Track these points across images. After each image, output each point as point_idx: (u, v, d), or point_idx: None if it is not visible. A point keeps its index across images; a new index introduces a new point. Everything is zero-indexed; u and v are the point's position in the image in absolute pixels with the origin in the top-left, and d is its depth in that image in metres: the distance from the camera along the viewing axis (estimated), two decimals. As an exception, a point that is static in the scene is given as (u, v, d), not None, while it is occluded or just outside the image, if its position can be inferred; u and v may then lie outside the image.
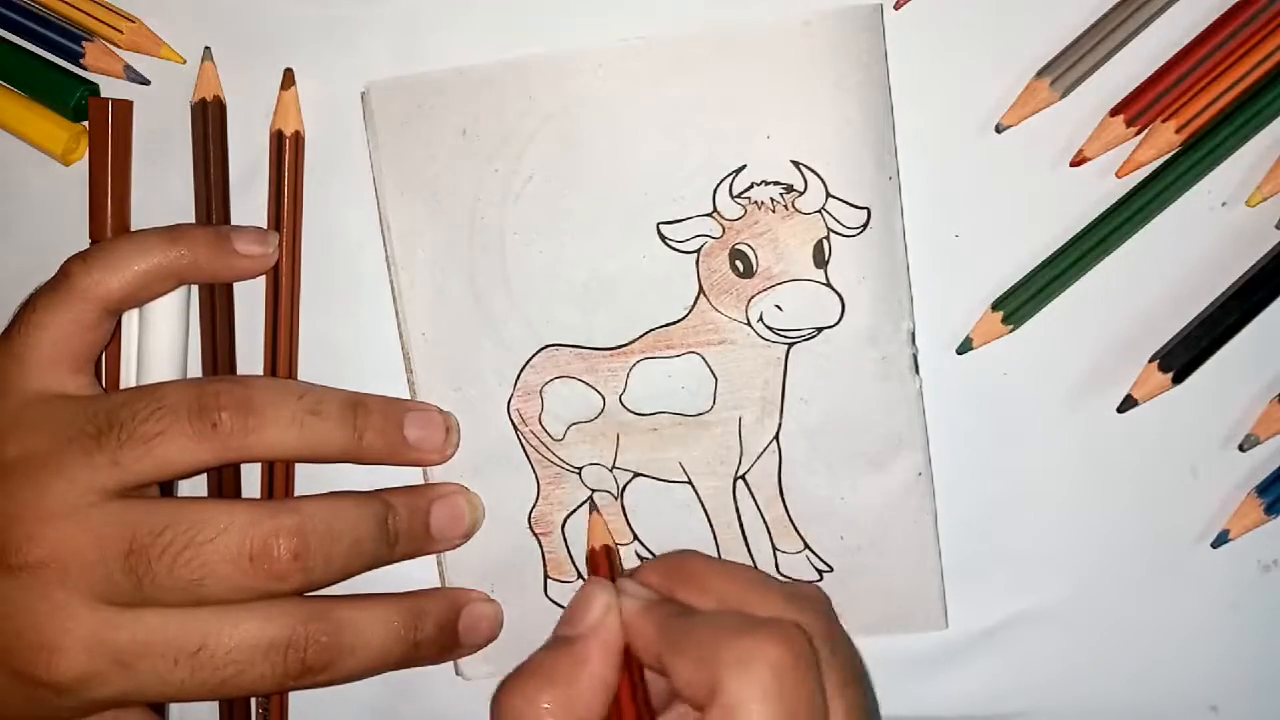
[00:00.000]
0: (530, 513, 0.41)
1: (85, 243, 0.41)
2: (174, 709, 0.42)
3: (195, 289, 0.41)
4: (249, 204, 0.42)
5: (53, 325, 0.38)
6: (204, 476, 0.42)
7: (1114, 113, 0.38)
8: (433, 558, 0.42)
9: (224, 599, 0.36)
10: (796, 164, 0.39)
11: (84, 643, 0.35)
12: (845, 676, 0.33)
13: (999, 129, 0.39)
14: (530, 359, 0.41)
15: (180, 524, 0.36)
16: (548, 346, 0.41)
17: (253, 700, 0.42)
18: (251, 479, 0.42)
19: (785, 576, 0.40)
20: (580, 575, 0.42)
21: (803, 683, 0.31)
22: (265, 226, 0.41)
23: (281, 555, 0.36)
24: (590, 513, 0.40)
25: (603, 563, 0.38)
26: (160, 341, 0.40)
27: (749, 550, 0.41)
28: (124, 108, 0.42)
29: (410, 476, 0.42)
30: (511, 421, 0.41)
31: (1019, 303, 0.39)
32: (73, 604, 0.35)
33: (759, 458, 0.40)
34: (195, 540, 0.35)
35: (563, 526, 0.41)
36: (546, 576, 0.42)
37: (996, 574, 0.41)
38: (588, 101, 0.39)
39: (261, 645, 0.36)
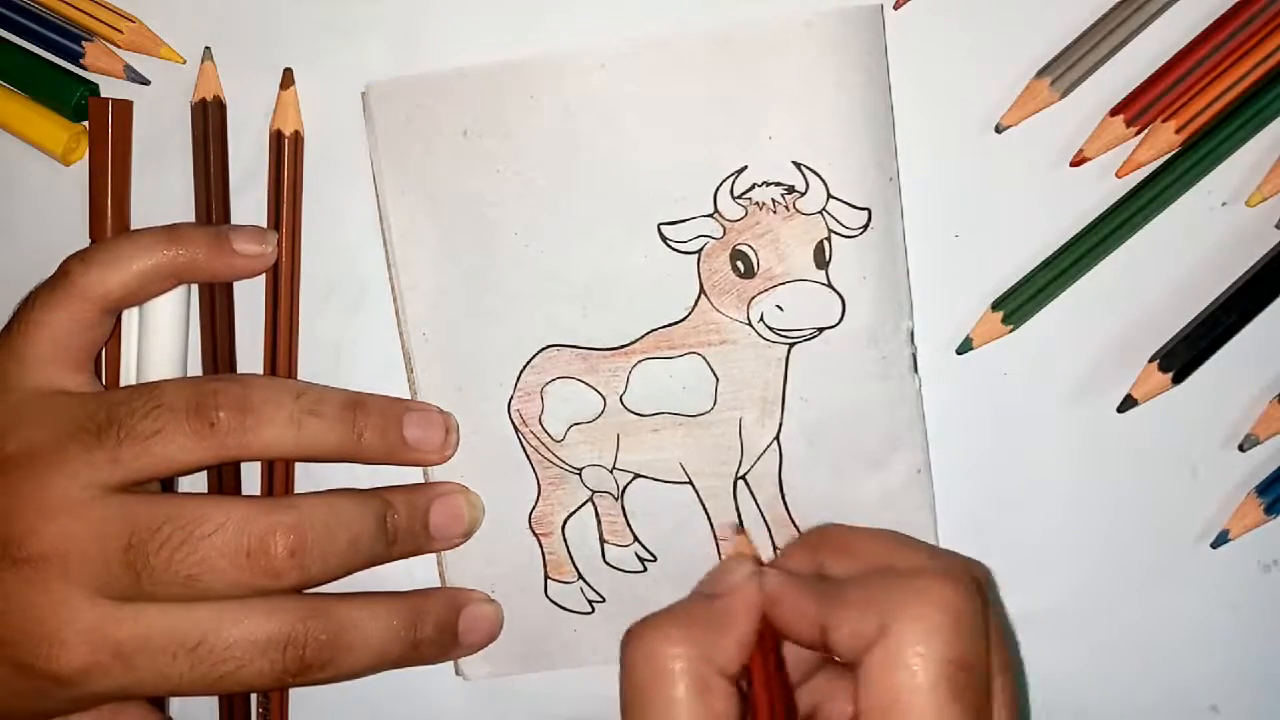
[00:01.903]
0: (530, 513, 0.41)
1: (85, 242, 0.41)
2: (174, 704, 0.42)
3: (195, 288, 0.41)
4: (249, 204, 0.42)
5: (52, 324, 0.38)
6: (205, 474, 0.42)
7: (1114, 113, 0.38)
8: (433, 557, 0.42)
9: (222, 594, 0.36)
10: (798, 165, 0.39)
11: (84, 636, 0.35)
12: (1003, 630, 0.32)
13: (999, 129, 0.39)
14: (531, 359, 0.41)
15: (178, 519, 0.36)
16: (548, 347, 0.41)
17: (252, 698, 0.42)
18: (251, 477, 0.42)
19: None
20: (580, 576, 0.42)
21: (973, 628, 0.30)
22: (265, 226, 0.41)
23: (278, 552, 0.36)
24: (735, 533, 0.40)
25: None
26: (160, 340, 0.40)
27: (749, 550, 0.41)
28: (124, 108, 0.42)
29: (411, 476, 0.41)
30: (512, 422, 0.41)
31: (1019, 303, 0.39)
32: (73, 597, 0.35)
33: (760, 458, 0.40)
34: (193, 536, 0.36)
35: (563, 527, 0.41)
36: (547, 577, 0.42)
37: (996, 574, 0.41)
38: (589, 102, 0.39)
39: (260, 641, 0.36)
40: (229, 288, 0.42)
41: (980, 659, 0.30)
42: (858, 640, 0.31)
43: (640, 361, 0.40)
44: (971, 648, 0.30)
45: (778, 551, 0.40)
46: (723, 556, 0.39)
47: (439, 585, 0.42)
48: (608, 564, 0.42)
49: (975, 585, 0.31)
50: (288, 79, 0.41)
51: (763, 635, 0.33)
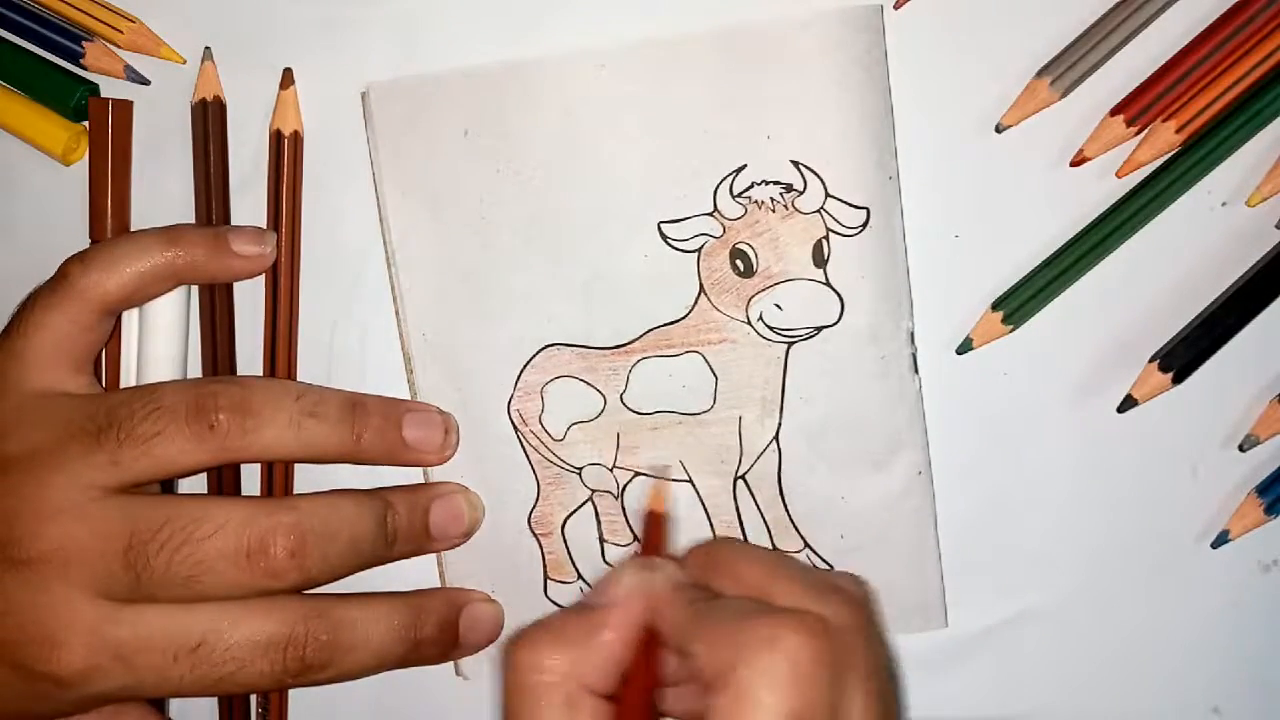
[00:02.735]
0: (530, 513, 0.41)
1: (85, 243, 0.41)
2: (174, 704, 0.42)
3: (195, 289, 0.41)
4: (249, 204, 0.42)
5: (51, 325, 0.38)
6: (205, 475, 0.42)
7: (1114, 112, 0.38)
8: (433, 558, 0.42)
9: (222, 595, 0.36)
10: (796, 164, 0.39)
11: (85, 637, 0.35)
12: (869, 673, 0.32)
13: (999, 129, 0.39)
14: (531, 358, 0.41)
15: (178, 520, 0.36)
16: (548, 346, 0.41)
17: (252, 698, 0.42)
18: (251, 478, 0.42)
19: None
20: (580, 576, 0.42)
21: (818, 677, 0.30)
22: (265, 226, 0.41)
23: (278, 553, 0.36)
24: (656, 477, 0.40)
25: (655, 529, 0.37)
26: (160, 342, 0.40)
27: (749, 550, 0.41)
28: (124, 108, 0.42)
29: (411, 476, 0.42)
30: (512, 421, 0.41)
31: (1019, 303, 0.39)
32: (74, 598, 0.35)
33: (759, 457, 0.40)
34: (193, 537, 0.36)
35: (563, 527, 0.41)
36: (546, 577, 0.42)
37: (996, 574, 0.41)
38: (589, 101, 0.40)
39: (261, 642, 0.36)
40: (229, 289, 0.42)
41: (825, 713, 0.30)
42: (708, 674, 0.31)
43: (640, 360, 0.40)
44: (813, 702, 0.30)
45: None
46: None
47: (439, 585, 0.42)
48: (608, 564, 0.42)
49: (828, 635, 0.31)
50: (288, 79, 0.41)
51: (648, 643, 0.33)
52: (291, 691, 0.42)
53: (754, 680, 0.30)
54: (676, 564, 0.35)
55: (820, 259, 0.39)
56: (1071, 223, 0.39)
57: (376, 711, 0.42)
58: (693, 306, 0.40)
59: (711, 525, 0.41)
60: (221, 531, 0.36)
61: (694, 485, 0.41)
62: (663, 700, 0.34)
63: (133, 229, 0.42)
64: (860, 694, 0.31)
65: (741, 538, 0.41)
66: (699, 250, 0.40)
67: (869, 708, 0.31)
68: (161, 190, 0.42)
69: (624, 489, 0.41)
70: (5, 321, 0.39)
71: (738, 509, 0.41)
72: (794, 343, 0.40)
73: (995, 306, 0.39)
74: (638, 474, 0.41)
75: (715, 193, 0.39)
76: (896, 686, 0.36)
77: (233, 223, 0.42)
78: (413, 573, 0.41)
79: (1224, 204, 0.39)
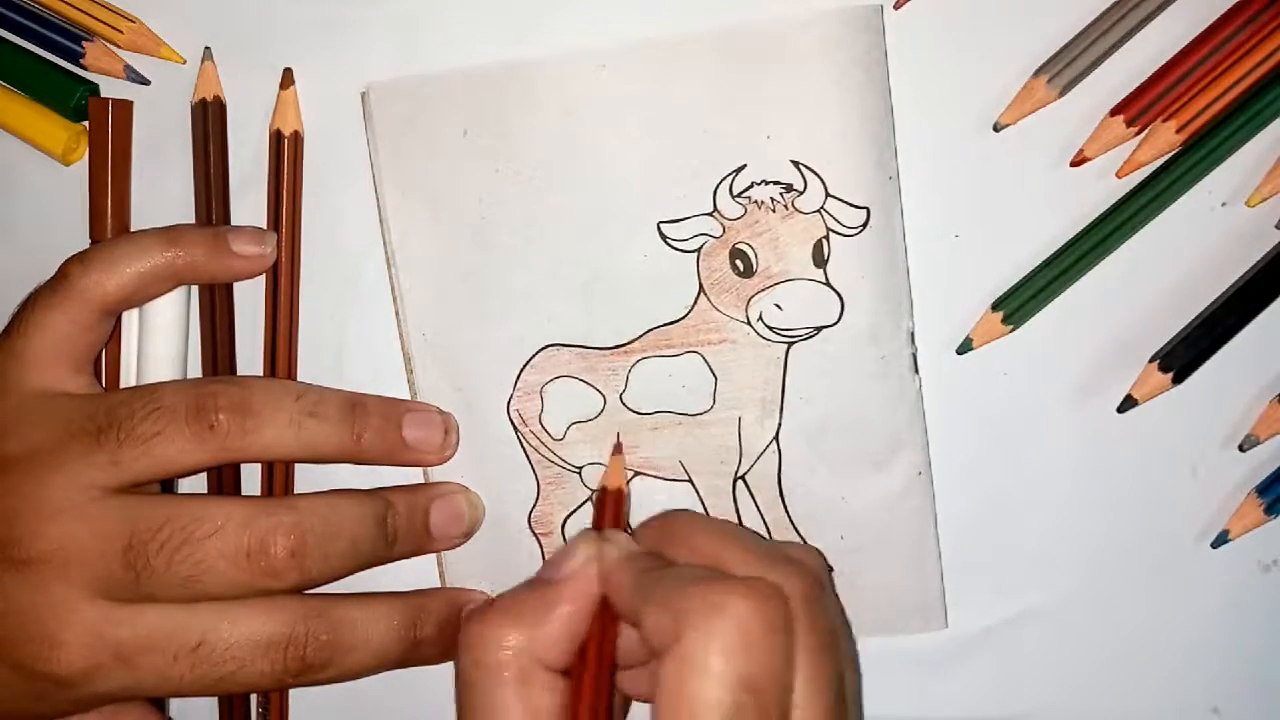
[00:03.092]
0: (530, 513, 0.41)
1: (85, 243, 0.41)
2: (174, 704, 0.42)
3: (195, 289, 0.41)
4: (249, 204, 0.42)
5: (51, 326, 0.38)
6: (205, 475, 0.42)
7: (1114, 113, 0.38)
8: (433, 558, 0.42)
9: (222, 595, 0.36)
10: (796, 164, 0.39)
11: (85, 637, 0.35)
12: (820, 642, 0.31)
13: (997, 128, 0.39)
14: (530, 358, 0.41)
15: (178, 520, 0.36)
16: (548, 346, 0.41)
17: (252, 698, 0.42)
18: (252, 478, 0.42)
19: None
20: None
21: (767, 644, 0.30)
22: (265, 226, 0.41)
23: (278, 552, 0.36)
24: (614, 453, 0.40)
25: (609, 505, 0.37)
26: (160, 342, 0.40)
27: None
28: (124, 108, 0.42)
29: (411, 476, 0.42)
30: (511, 421, 0.41)
31: (1019, 303, 0.39)
32: (74, 598, 0.35)
33: (759, 457, 0.40)
34: (193, 536, 0.36)
35: (563, 527, 0.41)
36: (546, 577, 0.42)
37: (996, 574, 0.41)
38: (589, 101, 0.40)
39: (261, 642, 0.36)
40: (229, 288, 0.42)
41: (773, 680, 0.30)
42: (657, 639, 0.30)
43: (640, 360, 0.40)
44: (762, 668, 0.29)
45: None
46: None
47: (439, 585, 0.42)
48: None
49: (777, 600, 0.30)
50: (288, 79, 0.41)
51: (603, 616, 0.33)
52: (292, 691, 0.42)
53: (702, 645, 0.29)
54: (630, 537, 0.35)
55: (820, 259, 0.39)
56: (1071, 223, 0.39)
57: (376, 711, 0.42)
58: (692, 306, 0.40)
59: (711, 525, 0.41)
60: (221, 531, 0.36)
61: (694, 485, 0.41)
62: (620, 682, 0.34)
63: (133, 229, 0.42)
64: (811, 663, 0.31)
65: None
66: (699, 250, 0.40)
67: (819, 676, 0.31)
68: (161, 190, 0.42)
69: (624, 489, 0.41)
70: (5, 321, 0.39)
71: (737, 509, 0.41)
72: (794, 343, 0.40)
73: (995, 306, 0.39)
74: (638, 473, 0.41)
75: (715, 193, 0.39)
76: (850, 659, 0.36)
77: (233, 223, 0.42)
78: (413, 573, 0.41)
79: (1224, 204, 0.39)
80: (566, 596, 0.33)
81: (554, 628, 0.32)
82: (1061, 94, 0.38)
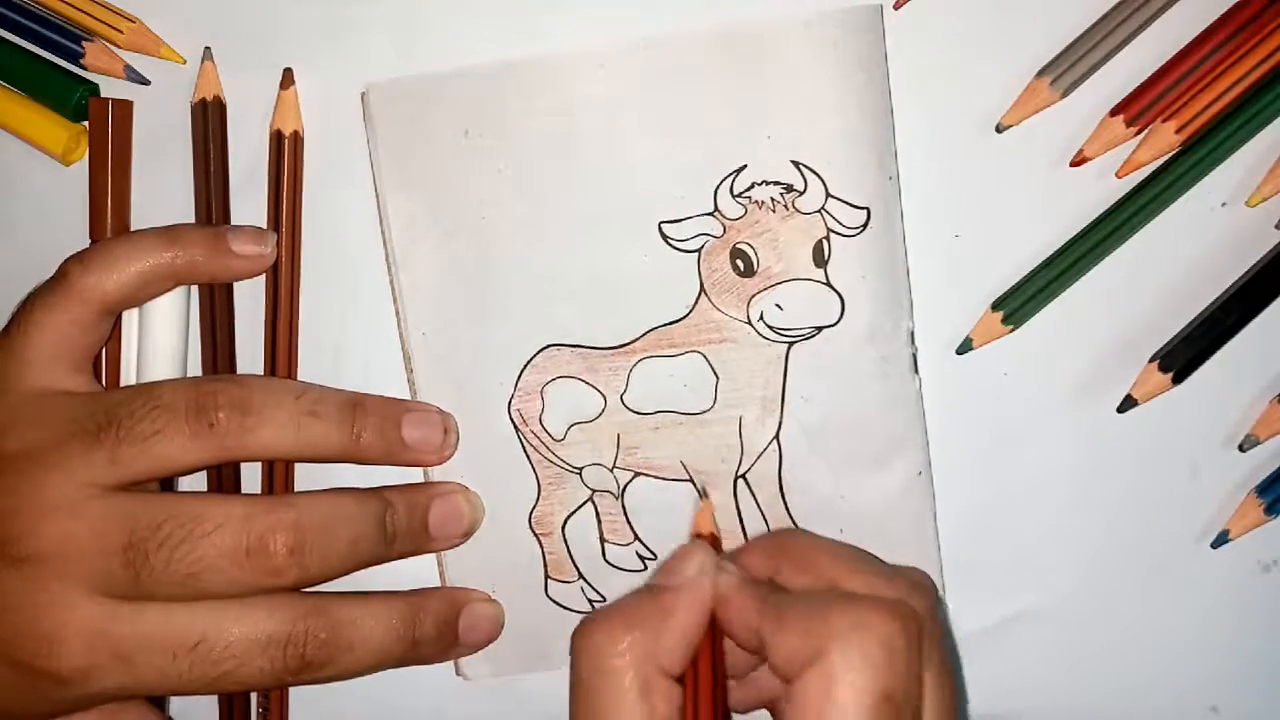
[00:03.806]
0: (530, 513, 0.41)
1: (85, 243, 0.41)
2: (174, 704, 0.42)
3: (195, 289, 0.41)
4: (249, 204, 0.42)
5: (51, 325, 0.38)
6: (204, 474, 0.42)
7: (1114, 113, 0.38)
8: (433, 557, 0.42)
9: (221, 593, 0.36)
10: (797, 164, 0.39)
11: (84, 635, 0.35)
12: (943, 660, 0.32)
13: (999, 129, 0.39)
14: (531, 359, 0.41)
15: (178, 518, 0.36)
16: (549, 346, 0.41)
17: (252, 697, 0.42)
18: (251, 477, 0.42)
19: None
20: (581, 576, 0.42)
21: (906, 662, 0.31)
22: (265, 226, 0.41)
23: (277, 550, 0.36)
24: (701, 499, 0.40)
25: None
26: (160, 341, 0.40)
27: (749, 550, 0.41)
28: (124, 108, 0.42)
29: (411, 476, 0.41)
30: (512, 421, 0.41)
31: (1019, 303, 0.39)
32: (73, 597, 0.35)
33: (759, 457, 0.40)
34: (192, 534, 0.36)
35: (563, 527, 0.41)
36: (547, 577, 0.42)
37: (996, 574, 0.41)
38: (589, 101, 0.40)
39: (260, 640, 0.36)
40: (229, 288, 0.42)
41: (910, 694, 0.31)
42: (793, 662, 0.31)
43: (640, 360, 0.40)
44: (902, 682, 0.30)
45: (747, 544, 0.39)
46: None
47: (439, 585, 0.42)
48: (608, 563, 0.42)
49: (914, 619, 0.31)
50: (288, 79, 0.41)
51: (710, 629, 0.33)
52: (292, 691, 0.42)
53: (846, 661, 0.30)
54: (739, 562, 0.35)
55: (821, 259, 0.39)
56: (1071, 223, 0.39)
57: (376, 711, 0.42)
58: (693, 306, 0.40)
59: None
60: (221, 529, 0.36)
61: (694, 485, 0.41)
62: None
63: (133, 229, 0.42)
64: (936, 680, 0.32)
65: (743, 538, 0.41)
66: (699, 250, 0.40)
67: (944, 693, 0.32)
68: (161, 190, 0.42)
69: (624, 489, 0.41)
70: (5, 321, 0.39)
71: (738, 509, 0.41)
72: (794, 343, 0.40)
73: (995, 306, 0.39)
74: (638, 474, 0.41)
75: (716, 193, 0.39)
76: (961, 683, 0.38)
77: (233, 223, 0.42)
78: (413, 573, 0.41)
79: (1224, 204, 0.39)
80: (684, 604, 0.33)
81: (673, 635, 0.32)
82: (1064, 95, 0.38)
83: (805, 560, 0.35)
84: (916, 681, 0.31)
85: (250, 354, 0.42)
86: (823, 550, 0.35)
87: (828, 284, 0.39)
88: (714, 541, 0.36)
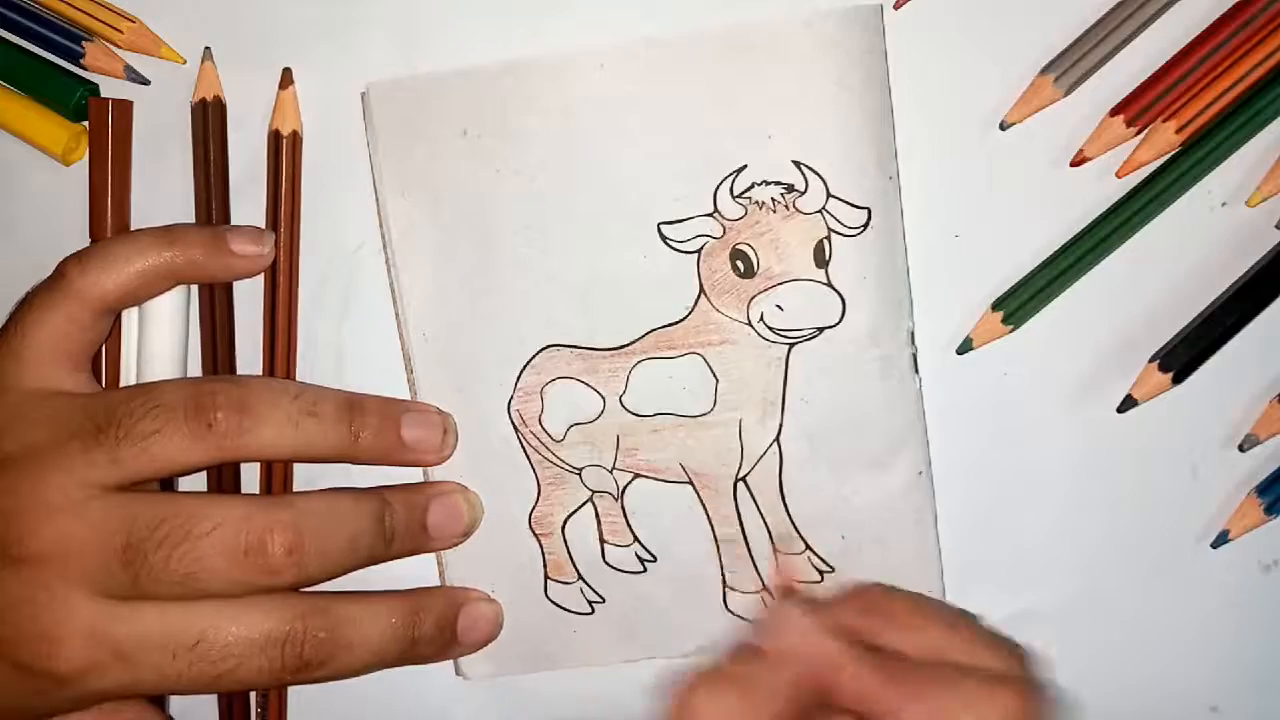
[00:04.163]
0: (530, 513, 0.41)
1: (85, 243, 0.41)
2: (174, 704, 0.42)
3: (194, 289, 0.41)
4: (249, 204, 0.42)
5: (49, 324, 0.38)
6: (204, 473, 0.42)
7: (1114, 113, 0.38)
8: (432, 557, 0.42)
9: (220, 593, 0.36)
10: (797, 164, 0.39)
11: (83, 635, 0.35)
12: None
13: (1003, 126, 0.39)
14: (531, 359, 0.41)
15: (176, 518, 0.36)
16: (548, 347, 0.41)
17: (252, 697, 0.42)
18: (251, 477, 0.42)
19: (786, 577, 0.40)
20: (580, 577, 0.42)
21: None
22: (265, 226, 0.41)
23: (276, 550, 0.36)
24: (774, 554, 0.40)
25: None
26: (159, 341, 0.40)
27: (750, 551, 0.41)
28: (124, 108, 0.42)
29: (411, 476, 0.41)
30: (512, 422, 0.41)
31: (1019, 303, 0.39)
32: (72, 596, 0.35)
33: (760, 459, 0.40)
34: (191, 534, 0.36)
35: (563, 527, 0.41)
36: (547, 577, 0.42)
37: (996, 574, 0.41)
38: (589, 101, 0.39)
39: (259, 639, 0.36)
40: (228, 288, 0.42)
41: None
42: None
43: (640, 362, 0.40)
44: None
45: (820, 597, 0.39)
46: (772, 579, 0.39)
47: (439, 585, 0.42)
48: (608, 564, 0.42)
49: (1037, 700, 0.33)
50: (287, 79, 0.41)
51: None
52: (291, 691, 0.42)
53: None
54: (833, 617, 0.35)
55: (822, 259, 0.39)
56: (1071, 223, 0.39)
57: (376, 711, 0.42)
58: (693, 307, 0.40)
59: (712, 527, 0.41)
60: (219, 529, 0.36)
61: (694, 486, 0.41)
62: None
63: (132, 229, 0.42)
64: None
65: (743, 539, 0.41)
66: (699, 251, 0.40)
67: None
68: (161, 190, 0.42)
69: (624, 490, 0.41)
70: (4, 321, 0.39)
71: (738, 511, 0.41)
72: (795, 344, 0.40)
73: (995, 306, 0.39)
74: (638, 475, 0.41)
75: (716, 193, 0.39)
76: None
77: (232, 222, 0.42)
78: (413, 572, 0.41)
79: (1224, 204, 0.39)
80: (791, 669, 0.33)
81: (776, 701, 0.33)
82: (1067, 93, 0.38)
83: (912, 625, 0.35)
84: None
85: (249, 354, 0.42)
86: (932, 617, 0.36)
87: (829, 284, 0.39)
88: (793, 593, 0.37)
